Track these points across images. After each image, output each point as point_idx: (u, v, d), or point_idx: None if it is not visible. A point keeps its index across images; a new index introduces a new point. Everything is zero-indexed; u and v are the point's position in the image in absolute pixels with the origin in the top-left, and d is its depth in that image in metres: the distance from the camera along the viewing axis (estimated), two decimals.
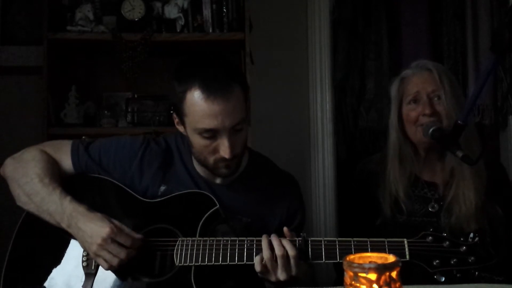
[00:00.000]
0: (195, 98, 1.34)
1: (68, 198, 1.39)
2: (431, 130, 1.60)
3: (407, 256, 1.26)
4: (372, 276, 0.81)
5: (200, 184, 1.50)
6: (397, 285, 0.83)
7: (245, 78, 1.43)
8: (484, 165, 1.66)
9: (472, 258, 1.25)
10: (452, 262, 1.25)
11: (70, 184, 1.47)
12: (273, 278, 1.30)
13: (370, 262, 0.86)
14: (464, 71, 3.06)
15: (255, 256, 1.30)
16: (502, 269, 1.58)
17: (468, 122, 1.51)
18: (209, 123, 1.34)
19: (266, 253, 1.28)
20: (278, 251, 1.28)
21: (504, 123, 3.03)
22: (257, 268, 1.29)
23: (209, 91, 1.33)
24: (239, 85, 1.38)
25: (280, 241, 1.29)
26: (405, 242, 1.28)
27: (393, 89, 1.76)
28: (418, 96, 1.67)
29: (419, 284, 1.27)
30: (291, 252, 1.27)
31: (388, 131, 1.75)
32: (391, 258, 0.86)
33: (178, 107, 1.40)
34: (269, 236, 1.31)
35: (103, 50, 2.65)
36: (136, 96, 2.71)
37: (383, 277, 0.81)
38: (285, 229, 1.33)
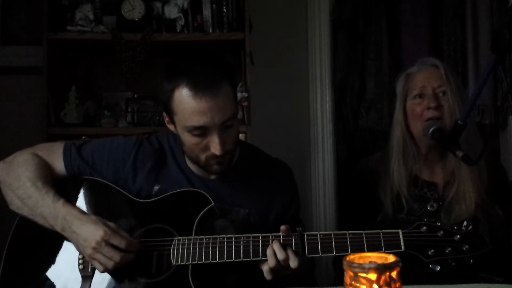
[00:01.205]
0: (183, 95, 1.34)
1: (61, 201, 1.38)
2: (431, 130, 1.61)
3: (402, 247, 1.26)
4: (372, 276, 0.81)
5: (194, 181, 1.50)
6: (397, 285, 0.83)
7: (234, 74, 1.43)
8: (485, 166, 1.66)
9: (467, 246, 1.26)
10: (446, 251, 1.26)
11: (64, 187, 1.46)
12: (282, 273, 1.31)
13: (370, 262, 0.86)
14: (464, 71, 3.06)
15: (252, 253, 1.31)
16: (502, 270, 1.59)
17: (469, 122, 1.51)
18: (198, 120, 1.33)
19: (271, 261, 1.29)
20: (280, 255, 1.28)
21: (504, 123, 3.03)
22: (268, 277, 1.30)
23: (197, 88, 1.32)
24: (227, 81, 1.37)
25: (282, 247, 1.29)
26: (400, 233, 1.28)
27: (399, 85, 1.76)
28: (423, 90, 1.68)
29: (419, 284, 1.27)
30: (292, 264, 1.28)
31: (392, 128, 1.75)
32: (391, 258, 0.86)
33: (167, 106, 1.39)
34: (269, 236, 1.31)
35: (103, 50, 2.65)
36: (136, 96, 2.71)
37: (383, 277, 0.81)
38: (282, 227, 1.33)
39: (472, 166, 1.51)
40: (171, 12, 2.57)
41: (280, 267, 1.29)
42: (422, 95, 1.68)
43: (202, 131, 1.35)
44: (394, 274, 0.82)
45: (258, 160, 1.59)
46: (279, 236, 1.31)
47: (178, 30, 2.57)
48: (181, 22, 2.57)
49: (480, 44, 3.00)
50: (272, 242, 1.30)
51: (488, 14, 2.99)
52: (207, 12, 2.57)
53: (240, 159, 1.54)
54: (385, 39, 3.11)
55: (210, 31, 2.56)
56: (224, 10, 2.56)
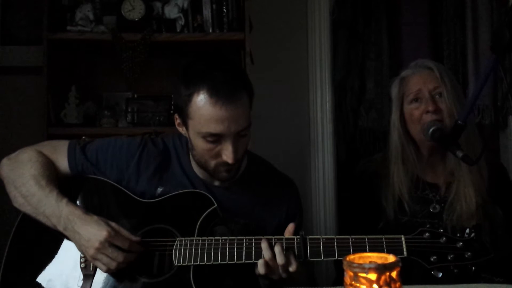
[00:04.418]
0: (202, 102, 1.33)
1: (65, 200, 1.38)
2: (431, 130, 1.60)
3: (405, 253, 1.26)
4: (372, 276, 0.81)
5: (198, 185, 1.50)
6: (397, 285, 0.83)
7: (251, 83, 1.42)
8: (486, 165, 1.66)
9: (469, 253, 1.26)
10: (449, 258, 1.26)
11: (67, 186, 1.46)
12: (276, 277, 1.31)
13: (370, 262, 0.86)
14: (464, 71, 3.07)
15: (254, 255, 1.30)
16: (502, 270, 1.58)
17: (468, 122, 1.51)
18: (215, 128, 1.33)
19: (267, 253, 1.29)
20: (279, 258, 1.27)
21: (504, 123, 3.03)
22: (262, 271, 1.29)
23: (218, 96, 1.32)
24: (246, 91, 1.38)
25: (283, 250, 1.28)
26: (403, 238, 1.28)
27: (394, 89, 1.75)
28: (420, 94, 1.67)
29: (419, 284, 1.27)
30: (291, 268, 1.28)
31: (389, 133, 1.75)
32: (391, 258, 0.86)
33: (182, 109, 1.39)
34: (269, 239, 1.31)
35: (103, 50, 2.65)
36: (136, 96, 2.72)
37: (383, 277, 0.81)
38: (289, 225, 1.34)
39: (472, 166, 1.51)
40: (171, 12, 2.57)
41: (276, 267, 1.29)
42: (418, 98, 1.67)
43: (216, 138, 1.35)
44: (394, 274, 0.82)
45: (265, 172, 1.59)
46: (282, 238, 1.31)
47: (178, 30, 2.57)
48: (181, 22, 2.57)
49: (480, 44, 3.00)
50: (275, 245, 1.29)
51: (488, 14, 2.99)
52: (207, 12, 2.57)
53: (247, 170, 1.55)
54: (385, 39, 3.11)
55: (210, 31, 2.56)
56: (224, 10, 2.56)
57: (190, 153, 1.50)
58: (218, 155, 1.38)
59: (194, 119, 1.36)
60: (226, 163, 1.38)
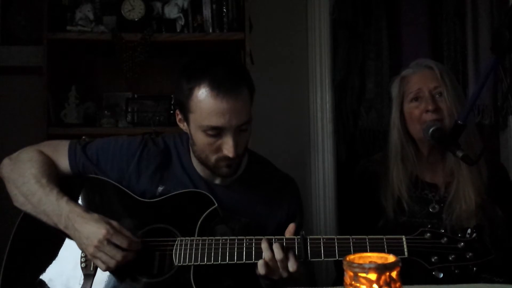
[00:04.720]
0: (204, 95, 1.34)
1: (65, 199, 1.39)
2: (431, 130, 1.60)
3: (406, 253, 1.26)
4: (372, 276, 0.81)
5: (199, 184, 1.50)
6: (397, 285, 0.83)
7: (252, 79, 1.43)
8: (486, 165, 1.66)
9: (470, 254, 1.25)
10: (450, 258, 1.26)
11: (68, 185, 1.46)
12: (276, 277, 1.31)
13: (370, 262, 0.86)
14: (464, 71, 3.07)
15: (254, 255, 1.31)
16: (502, 270, 1.58)
17: (468, 122, 1.51)
18: (216, 121, 1.34)
19: (267, 254, 1.29)
20: (278, 255, 1.28)
21: (504, 123, 3.03)
22: (262, 271, 1.29)
23: (219, 89, 1.33)
24: (246, 85, 1.39)
25: (282, 248, 1.29)
26: (404, 239, 1.28)
27: (394, 89, 1.76)
28: (420, 93, 1.67)
29: (419, 284, 1.27)
30: (291, 267, 1.28)
31: (389, 131, 1.75)
32: (391, 258, 0.86)
33: (183, 103, 1.39)
34: (269, 239, 1.31)
35: (103, 50, 2.65)
36: (136, 96, 2.72)
37: (383, 277, 0.81)
38: (290, 225, 1.34)
39: (472, 166, 1.51)
40: (171, 12, 2.57)
41: (277, 267, 1.29)
42: (418, 97, 1.67)
43: (217, 132, 1.36)
44: (394, 274, 0.82)
45: (266, 171, 1.59)
46: (282, 238, 1.31)
47: (178, 30, 2.57)
48: (181, 22, 2.57)
49: (480, 44, 3.00)
50: (273, 245, 1.30)
51: (488, 14, 3.00)
52: (207, 12, 2.57)
53: (248, 168, 1.55)
54: (385, 39, 3.12)
55: (210, 31, 2.56)
56: (224, 10, 2.57)
57: (191, 149, 1.50)
58: (218, 149, 1.38)
59: (195, 112, 1.37)
60: (226, 158, 1.39)
